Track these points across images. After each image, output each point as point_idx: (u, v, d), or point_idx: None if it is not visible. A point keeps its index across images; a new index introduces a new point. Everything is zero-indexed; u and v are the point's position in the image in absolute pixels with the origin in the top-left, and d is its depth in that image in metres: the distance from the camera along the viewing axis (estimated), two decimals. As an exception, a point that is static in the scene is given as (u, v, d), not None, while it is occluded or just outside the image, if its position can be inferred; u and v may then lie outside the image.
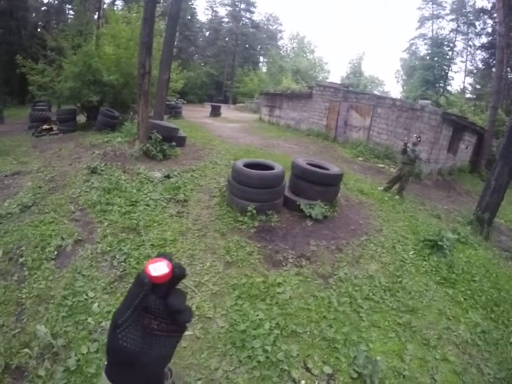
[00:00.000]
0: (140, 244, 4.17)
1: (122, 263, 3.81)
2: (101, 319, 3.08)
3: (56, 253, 4.00)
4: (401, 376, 2.81)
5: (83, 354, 2.70)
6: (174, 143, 8.28)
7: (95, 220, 4.76)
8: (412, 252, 5.01)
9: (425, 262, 4.77)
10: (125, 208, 5.03)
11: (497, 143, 14.99)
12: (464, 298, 4.15)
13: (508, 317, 3.95)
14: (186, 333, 3.01)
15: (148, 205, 5.24)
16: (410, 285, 4.16)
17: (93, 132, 10.68)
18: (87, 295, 3.36)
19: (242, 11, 45.13)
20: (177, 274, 0.48)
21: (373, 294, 3.82)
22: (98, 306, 3.22)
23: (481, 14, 32.34)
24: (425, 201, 8.46)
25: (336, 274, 4.10)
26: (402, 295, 3.91)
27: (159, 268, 0.47)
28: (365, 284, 4.00)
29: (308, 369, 2.73)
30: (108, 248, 4.06)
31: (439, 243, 5.02)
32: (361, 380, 2.68)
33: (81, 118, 13.11)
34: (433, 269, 4.64)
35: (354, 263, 4.45)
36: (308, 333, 3.10)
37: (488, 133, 15.49)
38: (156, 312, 0.49)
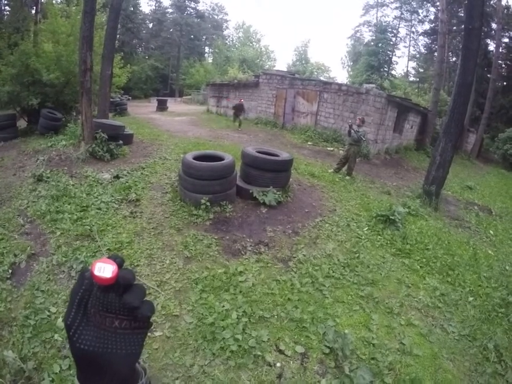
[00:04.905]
0: (96, 250, 3.99)
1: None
2: (67, 334, 2.93)
3: (10, 271, 3.70)
4: (371, 345, 2.94)
5: (56, 373, 2.54)
6: (121, 142, 7.94)
7: (46, 231, 4.46)
8: (366, 228, 5.27)
9: (379, 236, 5.04)
10: (76, 215, 4.76)
11: (440, 121, 16.08)
12: (420, 266, 4.44)
13: (463, 279, 4.26)
14: (156, 334, 2.97)
15: (99, 209, 5.00)
16: (368, 259, 4.37)
17: (36, 136, 9.88)
18: (49, 311, 3.16)
19: (186, 1, 43.88)
20: (121, 283, 0.47)
21: (333, 272, 3.98)
22: (62, 321, 3.05)
23: (424, 2, 34.35)
24: (375, 179, 8.90)
25: (295, 257, 4.22)
26: (361, 269, 4.10)
27: (103, 269, 0.45)
28: (324, 262, 4.14)
29: (280, 352, 2.79)
30: (64, 259, 3.83)
31: (391, 217, 5.32)
32: (333, 354, 2.77)
33: (22, 123, 12.10)
34: (388, 242, 4.91)
35: (311, 244, 4.59)
36: (275, 316, 3.16)
37: (431, 112, 16.59)
38: (116, 310, 0.48)
